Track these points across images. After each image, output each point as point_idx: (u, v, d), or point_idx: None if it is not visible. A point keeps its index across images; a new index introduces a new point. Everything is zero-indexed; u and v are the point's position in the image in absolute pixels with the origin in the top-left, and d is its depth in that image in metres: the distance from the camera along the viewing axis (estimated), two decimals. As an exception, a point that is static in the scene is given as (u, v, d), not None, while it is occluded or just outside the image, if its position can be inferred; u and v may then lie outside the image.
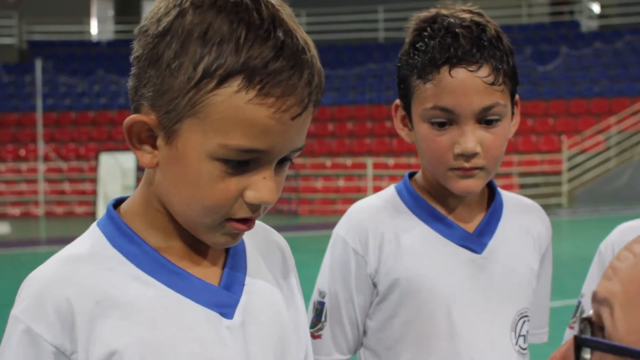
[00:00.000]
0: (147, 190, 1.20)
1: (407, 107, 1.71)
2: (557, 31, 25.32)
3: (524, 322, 1.75)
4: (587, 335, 0.86)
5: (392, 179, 17.31)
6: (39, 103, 20.52)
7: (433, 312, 1.69)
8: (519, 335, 1.74)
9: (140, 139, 1.16)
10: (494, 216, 1.76)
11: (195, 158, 1.12)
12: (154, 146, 1.16)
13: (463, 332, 1.69)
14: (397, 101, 1.74)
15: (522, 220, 1.80)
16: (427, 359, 1.69)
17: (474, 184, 1.66)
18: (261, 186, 1.13)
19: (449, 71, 1.62)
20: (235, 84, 1.09)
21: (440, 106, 1.63)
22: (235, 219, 1.15)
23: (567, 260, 10.49)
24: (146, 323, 1.15)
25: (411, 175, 1.80)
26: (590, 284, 1.88)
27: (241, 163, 1.12)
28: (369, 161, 20.33)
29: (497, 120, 1.65)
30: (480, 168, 1.65)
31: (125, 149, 16.90)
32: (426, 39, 1.65)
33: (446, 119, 1.64)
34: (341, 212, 1.80)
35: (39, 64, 20.43)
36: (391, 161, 20.68)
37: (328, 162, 21.24)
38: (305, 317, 1.36)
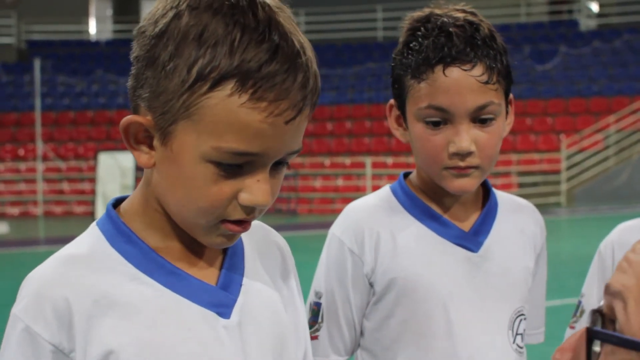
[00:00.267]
0: (146, 190, 1.21)
1: (401, 106, 1.71)
2: (555, 30, 25.30)
3: (521, 320, 1.75)
4: (600, 328, 0.85)
5: (391, 178, 17.28)
6: (37, 103, 20.49)
7: (430, 311, 1.69)
8: (516, 334, 1.74)
9: (137, 139, 1.17)
10: (489, 215, 1.76)
11: (189, 160, 1.13)
12: (151, 146, 1.16)
13: (460, 331, 1.69)
14: (392, 101, 1.74)
15: (517, 219, 1.80)
16: (425, 359, 1.69)
17: (469, 183, 1.67)
18: (255, 189, 1.14)
19: (443, 70, 1.62)
20: (229, 87, 1.09)
21: (435, 105, 1.63)
22: (230, 221, 1.16)
23: (566, 259, 10.50)
24: (143, 323, 1.16)
25: (406, 175, 1.80)
26: (590, 283, 1.88)
27: (235, 166, 1.13)
28: (368, 160, 20.31)
29: (491, 119, 1.65)
30: (475, 167, 1.65)
31: (123, 148, 16.86)
32: (420, 39, 1.65)
33: (441, 118, 1.64)
34: (340, 212, 1.80)
35: (37, 64, 20.40)
36: (390, 160, 20.66)
37: (327, 161, 21.23)
38: (304, 318, 1.36)
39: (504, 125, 1.70)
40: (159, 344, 1.16)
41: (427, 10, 1.69)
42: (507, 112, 1.71)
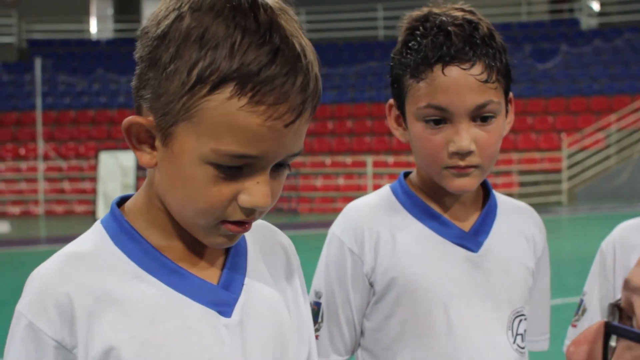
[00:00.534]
0: (150, 189, 1.22)
1: (400, 106, 1.71)
2: (556, 29, 25.30)
3: (521, 320, 1.75)
4: (619, 323, 0.84)
5: (392, 177, 17.26)
6: (38, 102, 20.50)
7: (430, 310, 1.69)
8: (517, 334, 1.74)
9: (139, 139, 1.17)
10: (489, 215, 1.76)
11: (189, 161, 1.13)
12: (153, 147, 1.17)
13: (460, 330, 1.69)
14: (391, 101, 1.74)
15: (516, 221, 1.80)
16: (425, 358, 1.69)
17: (469, 182, 1.66)
18: (255, 191, 1.14)
19: (442, 69, 1.62)
20: (228, 90, 1.09)
21: (434, 105, 1.63)
22: (231, 221, 1.16)
23: (567, 258, 10.50)
24: (145, 320, 1.17)
25: (406, 174, 1.80)
26: (592, 282, 1.88)
27: (234, 168, 1.13)
28: (369, 159, 20.31)
29: (491, 118, 1.65)
30: (475, 166, 1.65)
31: (124, 147, 16.89)
32: (419, 38, 1.65)
33: (440, 118, 1.64)
34: (341, 211, 1.80)
35: (38, 63, 20.41)
36: (391, 159, 20.66)
37: (328, 160, 21.22)
38: (309, 318, 1.36)
39: (504, 124, 1.69)
40: (160, 342, 1.16)
41: (425, 10, 1.69)
42: (507, 111, 1.71)
